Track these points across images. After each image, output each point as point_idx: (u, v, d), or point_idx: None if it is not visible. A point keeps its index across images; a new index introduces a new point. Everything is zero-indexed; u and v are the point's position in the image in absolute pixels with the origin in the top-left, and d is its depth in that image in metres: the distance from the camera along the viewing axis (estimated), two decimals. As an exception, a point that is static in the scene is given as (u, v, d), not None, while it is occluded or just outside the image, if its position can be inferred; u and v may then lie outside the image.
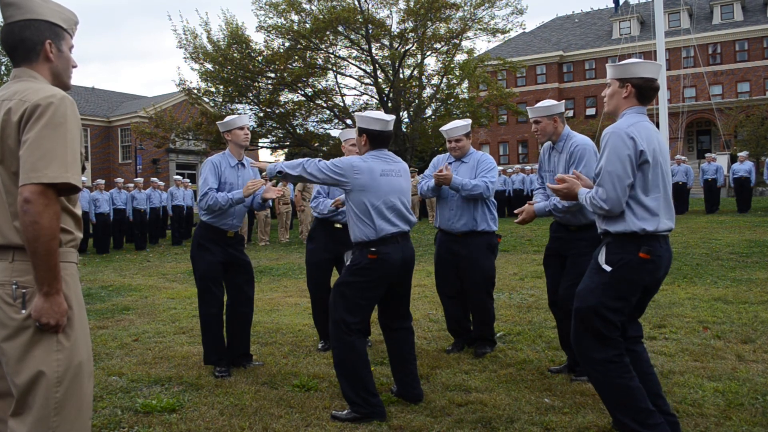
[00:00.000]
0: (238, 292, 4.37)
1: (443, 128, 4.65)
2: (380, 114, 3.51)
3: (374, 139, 3.48)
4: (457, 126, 4.57)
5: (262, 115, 21.88)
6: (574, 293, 3.59)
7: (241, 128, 4.35)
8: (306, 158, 3.51)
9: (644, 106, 2.87)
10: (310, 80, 21.56)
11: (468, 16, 21.14)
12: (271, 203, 4.59)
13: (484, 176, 4.46)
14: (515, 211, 4.06)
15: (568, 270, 3.84)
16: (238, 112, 21.41)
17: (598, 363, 2.79)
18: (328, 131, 23.78)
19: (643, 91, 2.84)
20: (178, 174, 30.31)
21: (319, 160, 3.46)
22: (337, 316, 3.38)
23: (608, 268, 2.77)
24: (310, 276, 4.94)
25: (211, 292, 4.22)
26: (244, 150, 4.43)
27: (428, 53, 22.37)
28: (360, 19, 20.23)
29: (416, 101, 22.45)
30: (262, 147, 25.09)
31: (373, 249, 3.34)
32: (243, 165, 4.40)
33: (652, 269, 2.76)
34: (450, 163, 4.56)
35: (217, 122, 4.58)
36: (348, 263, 3.47)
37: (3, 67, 25.20)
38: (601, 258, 2.82)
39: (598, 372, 2.80)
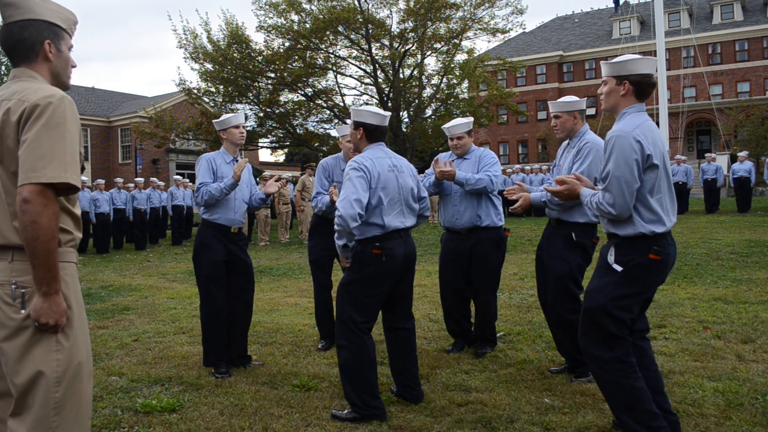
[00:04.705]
0: (238, 294, 4.35)
1: (445, 126, 4.65)
2: (377, 109, 3.52)
3: (370, 133, 3.48)
4: (458, 123, 4.58)
5: (262, 115, 21.86)
6: (558, 303, 3.79)
7: (237, 127, 4.36)
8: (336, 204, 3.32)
9: (642, 102, 2.84)
10: (310, 80, 21.55)
11: (468, 16, 21.13)
12: (270, 201, 4.59)
13: (487, 170, 4.46)
14: (507, 191, 3.94)
15: (548, 276, 3.89)
16: (238, 111, 21.36)
17: (605, 362, 2.76)
18: (328, 131, 23.79)
19: (641, 88, 2.80)
20: (178, 174, 30.29)
21: (345, 195, 3.28)
22: (345, 315, 3.36)
23: (619, 268, 2.76)
24: (312, 274, 4.99)
25: (213, 293, 4.20)
26: (239, 148, 4.44)
27: (428, 53, 22.36)
28: (360, 19, 20.21)
29: (416, 101, 22.43)
30: (262, 147, 25.10)
31: (377, 244, 3.34)
32: (237, 162, 4.41)
33: (662, 268, 2.76)
34: (452, 161, 4.56)
35: (213, 120, 4.59)
36: (350, 261, 3.46)
37: (3, 67, 25.21)
38: (611, 258, 2.80)
39: (604, 371, 2.78)
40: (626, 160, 2.65)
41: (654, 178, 2.72)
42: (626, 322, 2.77)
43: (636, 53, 3.00)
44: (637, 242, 2.73)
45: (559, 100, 3.97)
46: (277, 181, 4.48)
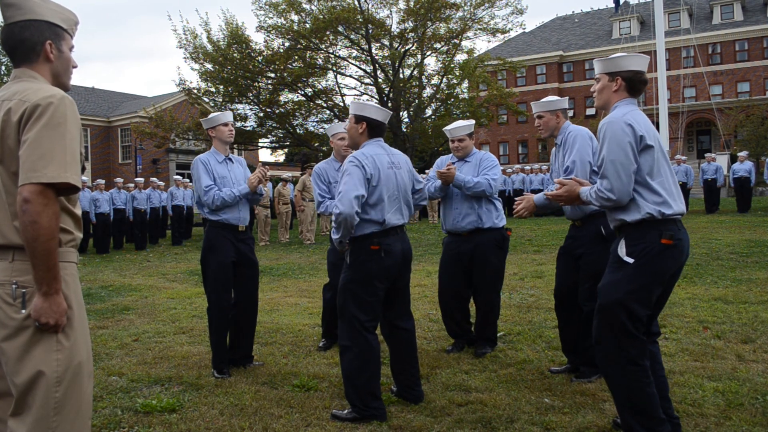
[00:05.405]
0: (245, 294, 4.35)
1: (446, 128, 4.66)
2: (379, 106, 3.52)
3: (374, 129, 3.46)
4: (460, 126, 4.58)
5: (262, 115, 21.88)
6: (590, 294, 3.58)
7: (225, 124, 4.37)
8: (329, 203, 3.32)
9: (634, 98, 2.88)
10: (310, 80, 21.58)
11: (468, 16, 21.17)
12: (268, 197, 4.59)
13: (486, 174, 4.46)
14: (516, 200, 3.88)
15: (581, 272, 3.80)
16: (238, 111, 21.42)
17: (619, 362, 2.71)
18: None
19: (633, 84, 2.85)
20: (178, 174, 30.25)
21: (339, 195, 3.28)
22: (349, 314, 3.35)
23: (630, 260, 2.70)
24: (329, 273, 4.90)
25: (222, 296, 4.20)
26: (228, 146, 4.46)
27: (428, 53, 22.40)
28: (360, 19, 20.23)
29: (416, 101, 22.45)
30: (262, 147, 25.10)
31: (376, 240, 3.34)
32: (230, 160, 4.42)
33: (676, 254, 2.71)
34: (453, 163, 4.56)
35: (201, 119, 4.59)
36: (347, 260, 3.45)
37: (3, 68, 25.22)
38: (621, 251, 2.74)
39: (616, 371, 2.73)
40: (619, 144, 2.68)
41: (651, 160, 2.72)
42: (642, 319, 2.72)
43: (636, 53, 3.04)
44: (647, 229, 2.69)
45: (541, 100, 4.03)
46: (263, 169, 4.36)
